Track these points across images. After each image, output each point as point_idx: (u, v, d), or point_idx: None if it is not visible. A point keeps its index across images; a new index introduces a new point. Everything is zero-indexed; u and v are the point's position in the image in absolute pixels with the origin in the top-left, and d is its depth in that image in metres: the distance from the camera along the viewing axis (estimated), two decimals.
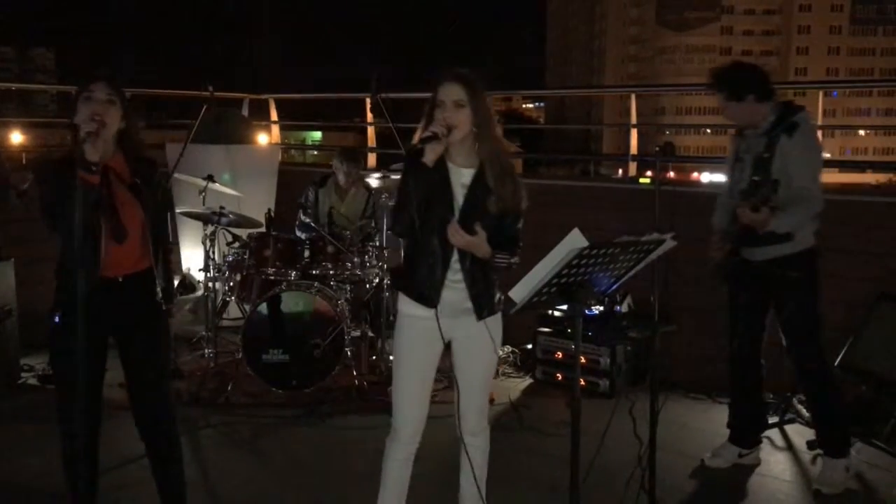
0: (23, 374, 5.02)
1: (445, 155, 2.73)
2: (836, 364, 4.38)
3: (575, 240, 2.31)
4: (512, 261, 2.72)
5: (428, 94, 2.72)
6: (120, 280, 2.81)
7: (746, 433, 3.96)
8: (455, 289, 2.74)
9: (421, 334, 2.77)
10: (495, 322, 2.82)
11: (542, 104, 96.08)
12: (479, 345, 2.80)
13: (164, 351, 3.04)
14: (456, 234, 2.62)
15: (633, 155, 5.81)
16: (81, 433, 2.62)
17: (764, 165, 3.54)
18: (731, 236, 3.67)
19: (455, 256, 2.72)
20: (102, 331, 2.81)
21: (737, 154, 3.77)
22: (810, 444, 4.05)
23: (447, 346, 2.84)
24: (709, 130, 71.29)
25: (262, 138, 7.71)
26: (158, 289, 2.87)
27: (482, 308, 2.76)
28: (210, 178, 5.32)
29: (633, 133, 5.89)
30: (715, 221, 3.87)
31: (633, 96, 5.94)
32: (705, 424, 4.48)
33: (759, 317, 3.82)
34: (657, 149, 3.05)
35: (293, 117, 10.52)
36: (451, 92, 2.66)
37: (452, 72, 2.70)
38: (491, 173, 2.69)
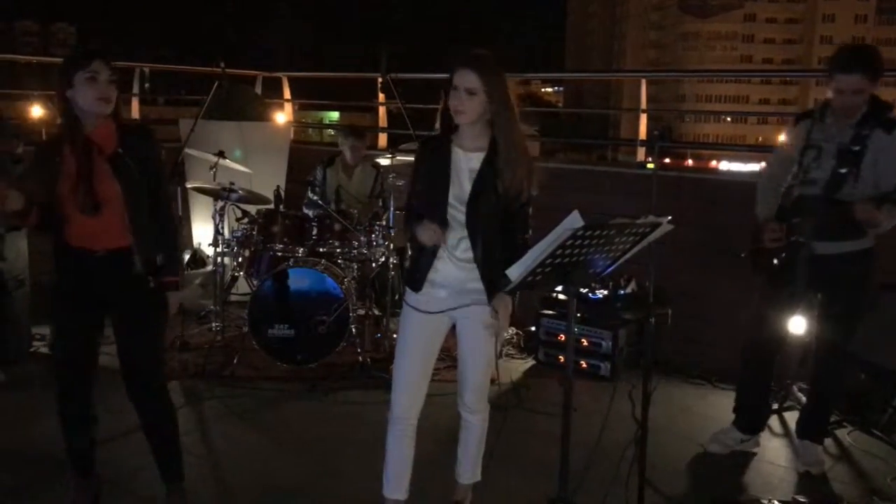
0: (34, 343, 5.11)
1: (454, 140, 2.76)
2: None
3: (574, 221, 2.33)
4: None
5: (439, 76, 2.72)
6: (97, 254, 2.83)
7: (752, 419, 3.97)
8: (465, 269, 2.77)
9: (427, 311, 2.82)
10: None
11: (560, 88, 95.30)
12: (483, 326, 2.82)
13: (153, 325, 2.99)
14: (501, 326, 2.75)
15: (642, 140, 5.81)
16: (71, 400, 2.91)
17: (853, 158, 3.37)
18: (799, 227, 3.51)
19: (461, 236, 2.74)
20: (87, 302, 2.88)
21: (808, 141, 3.53)
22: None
23: (452, 327, 2.89)
24: (729, 119, 70.54)
25: (281, 117, 7.76)
26: (137, 263, 2.83)
27: (491, 291, 2.76)
28: (221, 154, 5.38)
29: (643, 118, 5.89)
30: (762, 211, 3.70)
31: (643, 81, 5.92)
32: (705, 409, 4.51)
33: (796, 309, 3.77)
34: (655, 133, 3.06)
35: (310, 96, 10.54)
36: (465, 79, 2.63)
37: (468, 57, 2.66)
38: (503, 157, 2.68)
